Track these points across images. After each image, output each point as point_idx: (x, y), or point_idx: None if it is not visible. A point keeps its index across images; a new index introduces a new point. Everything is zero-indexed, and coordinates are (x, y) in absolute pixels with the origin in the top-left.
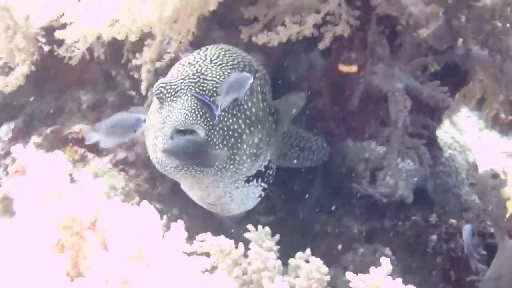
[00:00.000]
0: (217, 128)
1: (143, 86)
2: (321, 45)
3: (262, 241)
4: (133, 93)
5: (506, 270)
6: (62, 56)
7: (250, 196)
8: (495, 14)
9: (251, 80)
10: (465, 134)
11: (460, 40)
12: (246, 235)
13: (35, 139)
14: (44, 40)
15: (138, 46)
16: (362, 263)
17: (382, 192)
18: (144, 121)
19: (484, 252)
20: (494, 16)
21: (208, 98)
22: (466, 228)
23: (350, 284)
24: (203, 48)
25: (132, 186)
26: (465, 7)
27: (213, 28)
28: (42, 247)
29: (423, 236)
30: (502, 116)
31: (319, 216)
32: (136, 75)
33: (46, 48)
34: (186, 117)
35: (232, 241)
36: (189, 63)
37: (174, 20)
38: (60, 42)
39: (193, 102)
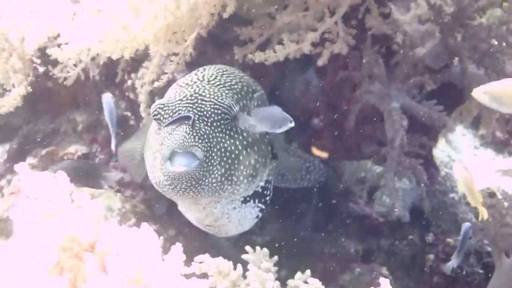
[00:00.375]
0: (215, 150)
1: (141, 108)
2: (320, 62)
3: (260, 262)
4: (129, 113)
5: None
6: (57, 76)
7: (247, 217)
8: (491, 33)
9: (290, 126)
10: (460, 152)
11: (456, 59)
12: (244, 256)
13: (30, 160)
14: (39, 61)
15: (133, 66)
16: (359, 283)
17: (379, 212)
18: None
19: (481, 271)
20: (490, 35)
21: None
22: (465, 226)
23: None
24: (201, 69)
25: (128, 207)
26: (461, 25)
27: (209, 48)
28: (41, 268)
29: (420, 255)
30: (498, 134)
31: (315, 236)
32: (131, 96)
33: (41, 69)
34: (184, 139)
35: (230, 263)
36: (187, 83)
37: (169, 38)
38: (55, 63)
39: (191, 126)
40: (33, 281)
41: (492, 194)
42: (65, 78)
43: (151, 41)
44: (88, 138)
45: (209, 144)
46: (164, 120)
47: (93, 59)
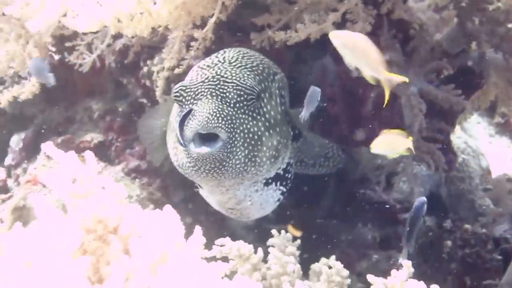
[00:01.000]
0: (238, 131)
1: (158, 93)
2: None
3: (285, 246)
4: (145, 100)
5: None
6: (72, 64)
7: (269, 200)
8: (509, 16)
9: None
10: (475, 140)
11: (474, 43)
12: (269, 241)
13: None
14: (54, 49)
15: (149, 53)
16: (376, 270)
17: (396, 198)
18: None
19: (499, 257)
20: (508, 19)
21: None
22: (417, 203)
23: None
24: (221, 51)
25: (145, 194)
26: (478, 9)
27: (224, 35)
28: (64, 251)
29: (438, 242)
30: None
31: (332, 223)
32: (147, 83)
33: (56, 57)
34: (208, 120)
35: (251, 246)
36: (208, 65)
37: (185, 19)
38: (71, 50)
39: (214, 105)
40: (56, 263)
41: (510, 180)
42: (80, 65)
43: (169, 21)
44: (104, 126)
45: (232, 125)
46: (186, 102)
47: (108, 45)
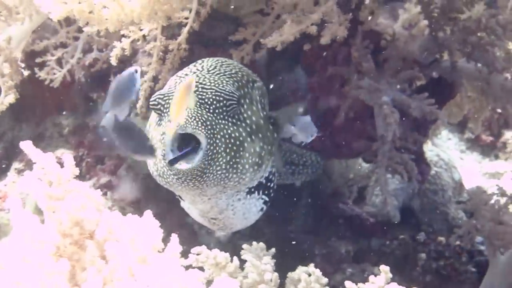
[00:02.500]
0: (219, 136)
1: (139, 104)
2: (323, 40)
3: (259, 257)
4: None
5: (498, 286)
6: (41, 79)
7: (252, 209)
8: (481, 25)
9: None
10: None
11: (446, 52)
12: (242, 253)
13: (16, 165)
14: (23, 65)
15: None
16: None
17: (369, 212)
18: (136, 71)
19: (474, 269)
20: (479, 28)
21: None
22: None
23: None
24: (199, 61)
25: (117, 209)
26: (450, 19)
27: (195, 47)
28: (43, 254)
29: (412, 254)
30: (483, 137)
31: (306, 237)
32: None
33: (26, 73)
34: (187, 121)
35: (227, 254)
36: (186, 74)
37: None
38: (41, 65)
39: (193, 110)
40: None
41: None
42: (51, 80)
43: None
44: (75, 141)
45: (212, 130)
46: (164, 111)
47: (78, 60)
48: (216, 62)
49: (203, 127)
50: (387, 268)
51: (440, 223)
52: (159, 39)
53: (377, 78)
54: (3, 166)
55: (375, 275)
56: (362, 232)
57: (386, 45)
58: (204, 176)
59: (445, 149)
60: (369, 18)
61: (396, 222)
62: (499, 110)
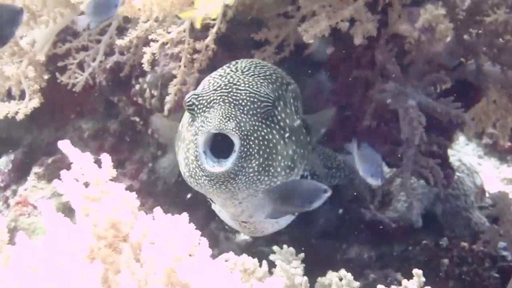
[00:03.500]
0: (252, 138)
1: (167, 107)
2: (357, 41)
3: (289, 261)
4: (137, 119)
5: None
6: (62, 83)
7: None
8: (508, 28)
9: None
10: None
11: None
12: (272, 256)
13: (36, 169)
14: (44, 68)
15: (141, 71)
16: None
17: (391, 217)
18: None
19: (497, 275)
20: (506, 30)
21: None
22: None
23: None
24: (233, 62)
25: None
26: (476, 22)
27: (218, 50)
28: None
29: (435, 260)
30: (501, 142)
31: (327, 243)
32: (140, 101)
33: (46, 77)
34: (221, 122)
35: (256, 260)
36: (220, 75)
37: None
38: (62, 70)
39: (227, 111)
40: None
41: None
42: (73, 85)
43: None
44: (95, 145)
45: (246, 132)
46: (198, 111)
47: (100, 63)
48: (250, 63)
49: (237, 128)
50: (420, 271)
51: (463, 228)
52: (187, 42)
53: (402, 81)
54: (23, 170)
55: (408, 279)
56: (384, 237)
57: (411, 48)
58: (236, 179)
59: (463, 154)
60: (395, 21)
61: (418, 228)
62: None
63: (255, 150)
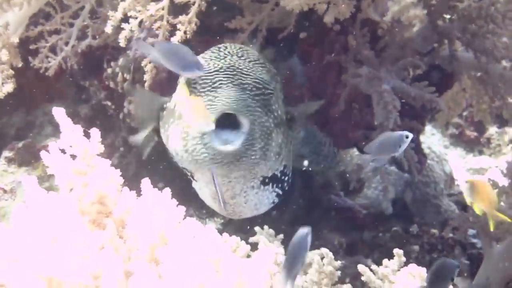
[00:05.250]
0: (256, 123)
1: (146, 84)
2: (326, 19)
3: (270, 241)
4: (109, 103)
5: (495, 277)
6: (34, 67)
7: (264, 201)
8: (481, 13)
9: (197, 73)
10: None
11: (445, 41)
12: (252, 238)
13: (6, 153)
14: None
15: (113, 54)
16: (344, 275)
17: (361, 204)
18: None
19: (467, 262)
20: (479, 16)
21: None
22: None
23: (362, 278)
24: (221, 46)
25: None
26: (450, 7)
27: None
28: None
29: (405, 247)
30: (467, 132)
31: (297, 229)
32: (112, 85)
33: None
34: (237, 103)
35: (238, 238)
36: (216, 57)
37: None
38: (34, 54)
39: (238, 93)
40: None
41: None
42: (46, 69)
43: None
44: None
45: (253, 116)
46: (202, 90)
47: (72, 46)
48: (241, 49)
49: (247, 110)
50: (401, 251)
51: (433, 215)
52: (165, 19)
53: (376, 66)
54: None
55: (378, 266)
56: (354, 224)
57: (384, 33)
58: (240, 159)
59: (429, 144)
60: (368, 6)
61: (388, 214)
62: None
63: (258, 134)
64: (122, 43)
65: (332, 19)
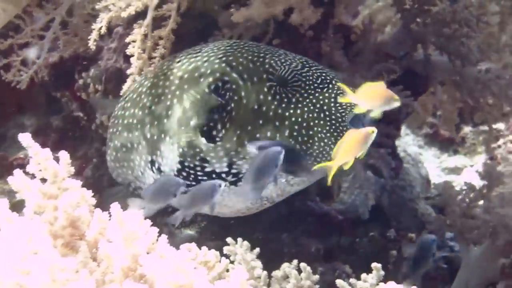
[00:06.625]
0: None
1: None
2: (293, 17)
3: (245, 253)
4: (81, 114)
5: (473, 280)
6: (7, 80)
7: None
8: (456, 16)
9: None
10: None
11: (420, 45)
12: (226, 248)
13: None
14: None
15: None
16: (321, 282)
17: (337, 209)
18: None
19: (445, 266)
20: (454, 19)
21: None
22: (428, 239)
23: None
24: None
25: None
26: (424, 11)
27: None
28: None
29: (383, 252)
30: (442, 132)
31: (274, 236)
32: (83, 96)
33: None
34: None
35: (217, 253)
36: (192, 57)
37: None
38: (7, 68)
39: None
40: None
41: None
42: (18, 82)
43: None
44: (38, 142)
45: None
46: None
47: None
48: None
49: None
50: (379, 265)
51: (410, 219)
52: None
53: (350, 71)
54: None
55: (354, 271)
56: (331, 229)
57: (357, 39)
58: None
59: (403, 145)
60: (342, 12)
61: (365, 219)
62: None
63: None
64: (91, 43)
65: (298, 20)
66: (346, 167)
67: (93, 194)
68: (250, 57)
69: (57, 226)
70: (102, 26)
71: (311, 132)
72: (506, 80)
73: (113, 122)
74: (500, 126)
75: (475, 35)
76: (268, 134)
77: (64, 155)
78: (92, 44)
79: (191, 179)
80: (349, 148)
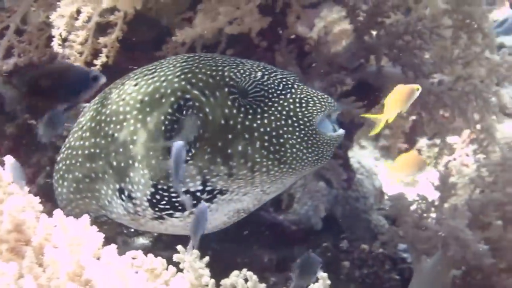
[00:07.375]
0: None
1: None
2: (228, 30)
3: (194, 262)
4: (35, 122)
5: None
6: None
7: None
8: (409, 28)
9: None
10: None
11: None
12: (176, 256)
13: None
14: None
15: None
16: None
17: (290, 220)
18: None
19: (397, 277)
20: (407, 31)
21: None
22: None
23: None
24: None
25: None
26: (377, 23)
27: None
28: None
29: (335, 263)
30: (399, 145)
31: (227, 246)
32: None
33: None
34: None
35: (164, 261)
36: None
37: None
38: None
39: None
40: None
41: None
42: None
43: None
44: None
45: None
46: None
47: None
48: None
49: None
50: (325, 274)
51: (363, 230)
52: (91, 39)
53: (304, 82)
54: None
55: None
56: (284, 240)
57: (311, 50)
58: None
59: (359, 157)
60: (294, 22)
61: (318, 230)
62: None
63: None
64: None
65: (237, 30)
66: (390, 121)
67: (45, 201)
68: (208, 72)
69: (2, 230)
70: (61, 32)
71: (281, 140)
72: (458, 92)
73: (70, 153)
74: (455, 139)
75: (428, 47)
76: (239, 148)
77: (9, 159)
78: (57, 48)
79: (165, 201)
80: (396, 102)
